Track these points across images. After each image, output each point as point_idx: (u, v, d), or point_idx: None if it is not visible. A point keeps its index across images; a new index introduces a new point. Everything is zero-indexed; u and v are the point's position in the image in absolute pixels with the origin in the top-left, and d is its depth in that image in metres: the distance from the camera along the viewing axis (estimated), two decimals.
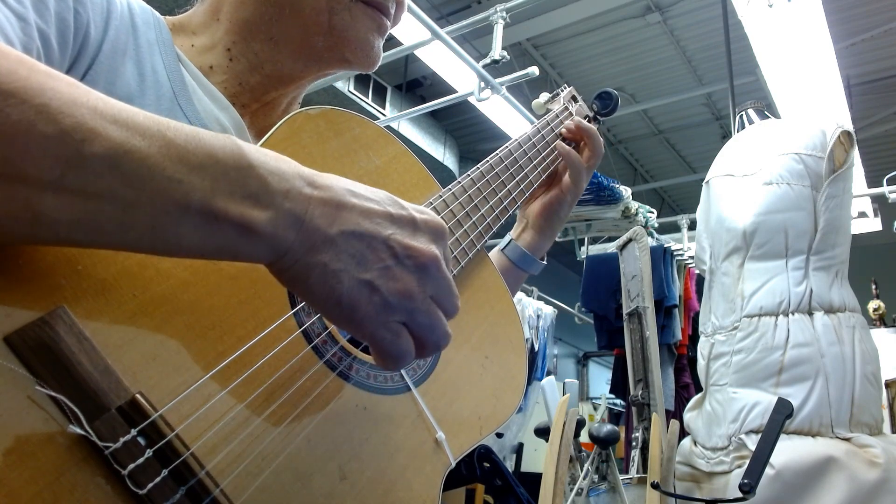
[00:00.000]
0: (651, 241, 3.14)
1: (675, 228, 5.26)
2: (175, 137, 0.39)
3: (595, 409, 7.13)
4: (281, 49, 0.69)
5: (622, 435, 3.04)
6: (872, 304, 4.46)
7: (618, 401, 6.08)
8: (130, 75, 0.60)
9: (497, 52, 3.22)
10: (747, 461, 1.38)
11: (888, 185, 4.24)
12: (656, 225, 3.64)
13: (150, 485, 0.38)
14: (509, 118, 4.36)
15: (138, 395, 0.40)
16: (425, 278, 0.46)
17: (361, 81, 5.47)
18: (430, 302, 0.47)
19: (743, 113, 2.63)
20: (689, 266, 3.32)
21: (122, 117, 0.37)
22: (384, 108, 5.67)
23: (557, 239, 1.02)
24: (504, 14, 3.30)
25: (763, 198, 2.14)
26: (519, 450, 5.39)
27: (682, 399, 2.98)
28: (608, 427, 2.06)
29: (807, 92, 3.82)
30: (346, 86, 5.32)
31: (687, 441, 2.20)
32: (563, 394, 2.02)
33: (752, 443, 1.91)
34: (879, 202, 4.80)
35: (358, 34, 0.69)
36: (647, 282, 2.64)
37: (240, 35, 0.69)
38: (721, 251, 2.23)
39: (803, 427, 1.88)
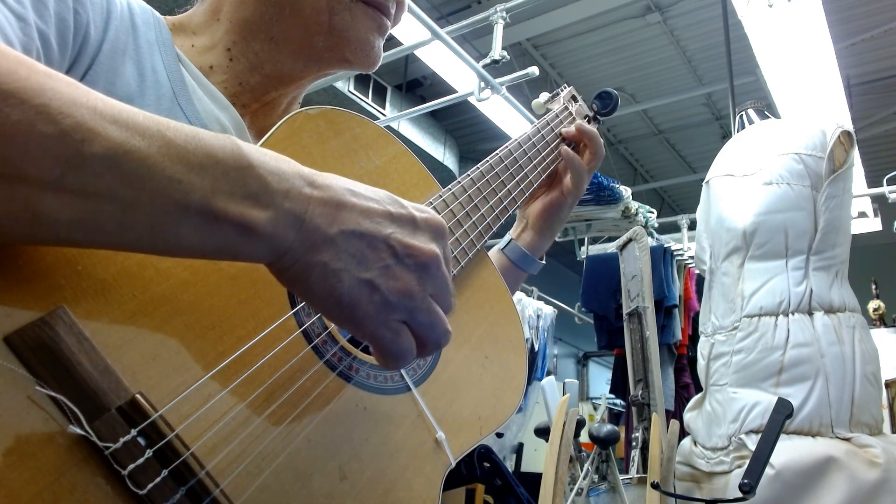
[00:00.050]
0: (651, 241, 3.14)
1: (675, 228, 5.26)
2: (175, 137, 0.39)
3: (595, 409, 7.13)
4: (281, 49, 0.69)
5: (622, 435, 3.04)
6: (872, 304, 4.46)
7: (618, 401, 6.08)
8: (130, 75, 0.60)
9: (497, 52, 3.22)
10: (747, 461, 1.38)
11: (888, 185, 4.24)
12: (656, 225, 3.64)
13: (150, 485, 0.38)
14: (509, 118, 4.36)
15: (138, 396, 0.40)
16: (425, 277, 0.46)
17: (361, 81, 5.47)
18: (431, 300, 0.47)
19: (743, 113, 2.63)
20: (689, 266, 3.32)
21: (122, 117, 0.37)
22: (384, 108, 5.67)
23: (557, 239, 1.02)
24: (504, 14, 3.30)
25: (763, 198, 2.14)
26: (519, 450, 5.39)
27: (682, 399, 2.98)
28: (608, 427, 2.06)
29: (807, 92, 3.82)
30: (346, 86, 5.32)
31: (687, 441, 2.20)
32: (563, 394, 2.02)
33: (752, 443, 1.91)
34: (879, 202, 4.80)
35: (358, 34, 0.69)
36: (647, 282, 2.64)
37: (240, 35, 0.69)
38: (721, 251, 2.23)
39: (803, 427, 1.88)
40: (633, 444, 2.40)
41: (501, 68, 3.33)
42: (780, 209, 2.10)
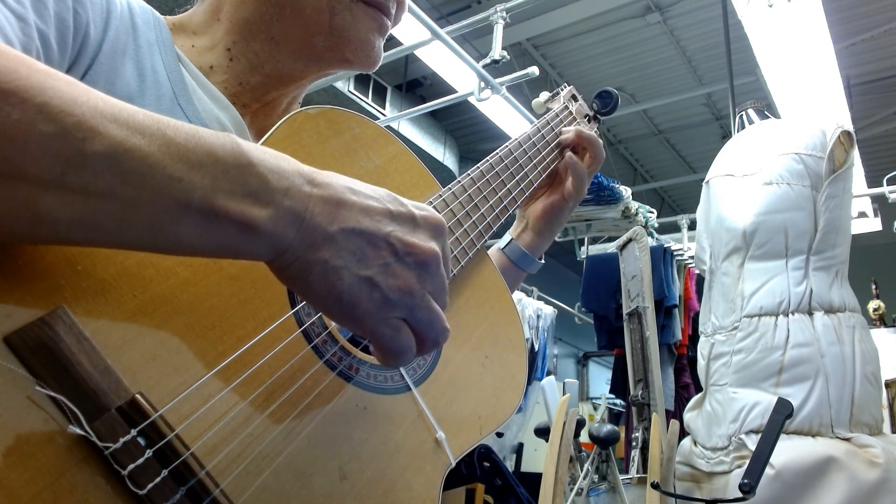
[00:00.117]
0: (651, 241, 3.14)
1: (675, 228, 5.26)
2: (175, 136, 0.39)
3: (595, 409, 7.14)
4: (281, 49, 0.69)
5: (622, 435, 3.04)
6: (872, 304, 4.46)
7: (618, 401, 6.08)
8: (130, 75, 0.60)
9: (497, 52, 3.22)
10: (747, 461, 1.38)
11: (888, 185, 4.24)
12: (656, 225, 3.64)
13: (150, 485, 0.38)
14: (509, 118, 4.36)
15: (138, 396, 0.40)
16: (425, 275, 0.46)
17: (361, 81, 5.47)
18: (430, 298, 0.47)
19: (743, 113, 2.63)
20: (689, 266, 3.32)
21: (122, 116, 0.37)
22: (384, 108, 5.67)
23: (557, 239, 1.02)
24: (504, 14, 3.30)
25: (763, 198, 2.14)
26: (519, 450, 5.39)
27: (682, 399, 2.98)
28: (608, 427, 2.06)
29: (807, 92, 3.83)
30: (346, 86, 5.32)
31: (687, 441, 2.20)
32: (563, 394, 2.02)
33: (752, 443, 1.91)
34: (879, 202, 4.80)
35: (359, 34, 0.69)
36: (647, 282, 2.64)
37: (240, 35, 0.69)
38: (721, 251, 2.23)
39: (803, 427, 1.88)
40: (633, 444, 2.40)
41: (501, 68, 3.33)
42: (780, 209, 2.10)
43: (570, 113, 0.99)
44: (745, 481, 1.28)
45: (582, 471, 2.04)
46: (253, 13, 0.68)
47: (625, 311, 2.73)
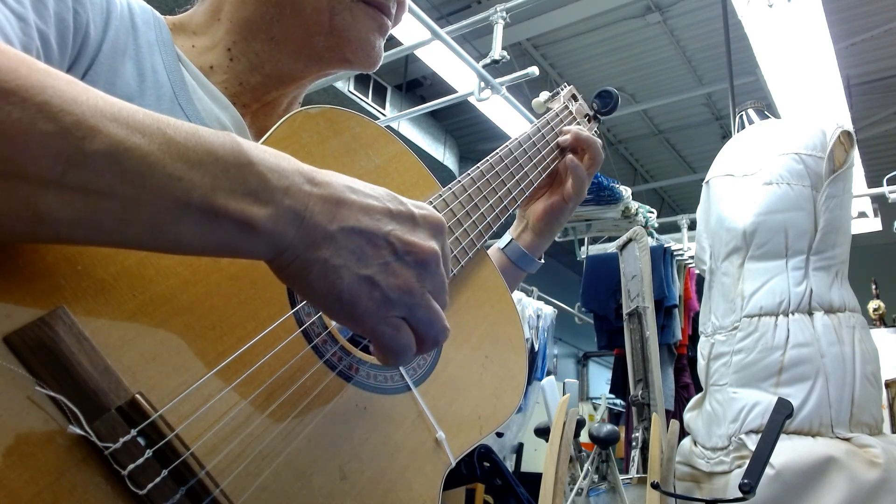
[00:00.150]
0: (651, 241, 3.14)
1: (675, 228, 5.26)
2: (175, 135, 0.39)
3: (595, 409, 7.13)
4: (281, 49, 0.69)
5: (622, 435, 3.04)
6: (872, 304, 4.46)
7: (618, 401, 6.08)
8: (130, 75, 0.60)
9: (497, 52, 3.22)
10: (747, 461, 1.38)
11: (888, 185, 4.24)
12: (656, 225, 3.64)
13: (150, 485, 0.38)
14: (509, 118, 4.36)
15: (138, 396, 0.40)
16: (424, 274, 0.46)
17: (361, 81, 5.47)
18: (429, 297, 0.47)
19: (743, 113, 2.63)
20: (689, 266, 3.32)
21: (122, 115, 0.37)
22: (384, 108, 5.67)
23: (557, 239, 1.02)
24: (504, 14, 3.30)
25: (763, 198, 2.14)
26: (519, 450, 5.39)
27: (682, 399, 2.98)
28: (608, 427, 2.06)
29: (807, 92, 3.82)
30: (346, 86, 5.32)
31: (687, 441, 2.20)
32: (563, 394, 2.02)
33: (752, 443, 1.91)
34: (879, 202, 4.80)
35: (359, 34, 0.69)
36: (647, 282, 2.64)
37: (240, 35, 0.69)
38: (721, 251, 2.23)
39: (803, 427, 1.88)
40: (633, 444, 2.40)
41: (501, 68, 3.33)
42: (780, 209, 2.10)
43: (570, 113, 0.99)
44: (745, 481, 1.28)
45: (582, 471, 2.04)
46: (253, 13, 0.68)
47: (625, 311, 2.73)
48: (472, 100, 3.63)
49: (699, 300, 2.68)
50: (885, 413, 2.81)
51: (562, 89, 1.03)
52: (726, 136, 5.02)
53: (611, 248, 3.72)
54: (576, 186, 0.92)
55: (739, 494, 1.28)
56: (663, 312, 3.04)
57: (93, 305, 0.41)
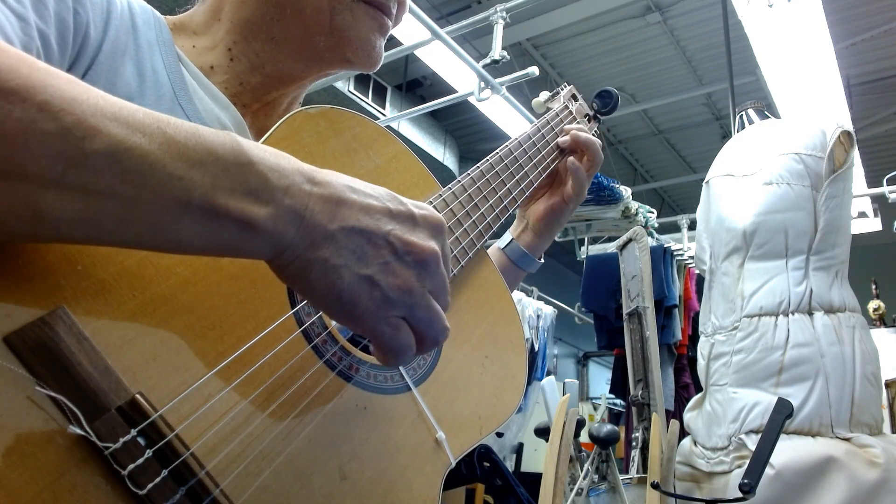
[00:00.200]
0: (651, 241, 3.14)
1: (675, 228, 5.26)
2: (175, 134, 0.39)
3: (595, 409, 7.13)
4: (282, 49, 0.69)
5: (622, 435, 3.04)
6: (872, 304, 4.46)
7: (618, 401, 6.08)
8: (130, 75, 0.60)
9: (497, 52, 3.22)
10: (747, 461, 1.38)
11: (888, 185, 4.24)
12: (656, 225, 3.64)
13: (150, 485, 0.38)
14: (509, 118, 4.36)
15: (138, 396, 0.40)
16: (424, 273, 0.46)
17: (361, 81, 5.47)
18: (429, 297, 0.47)
19: (743, 113, 2.63)
20: (689, 266, 3.32)
21: (123, 115, 0.37)
22: (384, 108, 5.67)
23: (557, 239, 1.03)
24: (504, 14, 3.30)
25: (763, 198, 2.14)
26: (519, 450, 5.39)
27: (682, 399, 2.98)
28: (608, 427, 2.06)
29: (807, 92, 3.82)
30: (346, 86, 5.32)
31: (687, 441, 2.20)
32: (563, 394, 2.02)
33: (752, 443, 1.91)
34: (879, 202, 4.80)
35: (359, 34, 0.69)
36: (647, 282, 2.64)
37: (241, 35, 0.69)
38: (721, 251, 2.23)
39: (803, 427, 1.88)
40: (633, 444, 2.40)
41: (501, 68, 3.33)
42: (780, 209, 2.10)
43: (570, 113, 0.99)
44: (745, 481, 1.28)
45: (582, 471, 2.04)
46: (254, 13, 0.68)
47: (625, 311, 2.73)
48: (472, 100, 3.63)
49: (699, 300, 2.68)
50: (885, 413, 2.81)
51: (562, 89, 1.03)
52: (726, 136, 5.02)
53: (611, 248, 3.72)
54: (576, 188, 0.92)
55: (739, 494, 1.28)
56: (663, 312, 3.04)
57: (93, 305, 0.41)
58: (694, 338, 3.01)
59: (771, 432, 1.37)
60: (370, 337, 0.46)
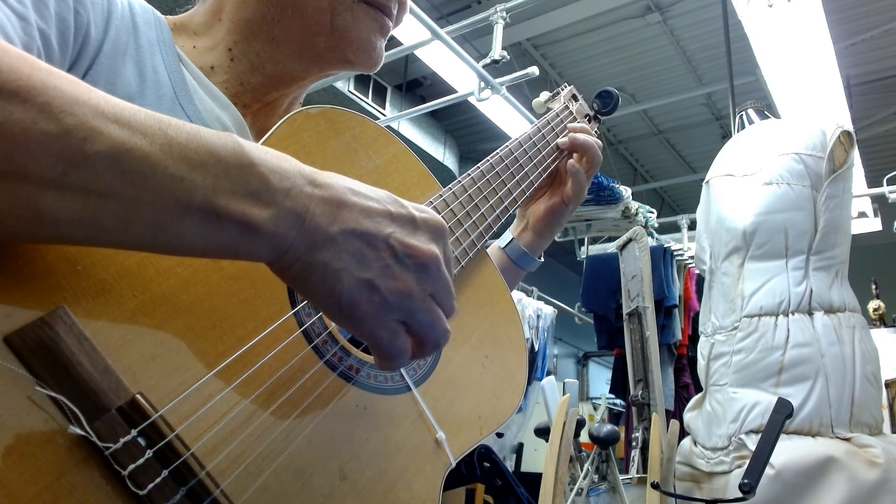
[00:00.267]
0: (651, 241, 3.14)
1: (675, 228, 5.26)
2: (176, 135, 0.39)
3: (595, 409, 7.13)
4: (282, 49, 0.69)
5: (622, 435, 3.04)
6: (872, 304, 4.46)
7: (618, 401, 6.08)
8: (131, 75, 0.60)
9: (497, 52, 3.22)
10: (747, 461, 1.38)
11: (888, 185, 4.24)
12: (656, 225, 3.64)
13: (151, 485, 0.38)
14: (509, 118, 4.36)
15: (138, 396, 0.40)
16: (425, 277, 0.46)
17: (361, 81, 5.47)
18: (430, 301, 0.47)
19: (743, 113, 2.63)
20: (689, 266, 3.32)
21: (124, 116, 0.37)
22: (384, 108, 5.67)
23: (557, 239, 1.03)
24: (504, 14, 3.30)
25: (763, 198, 2.14)
26: (519, 450, 5.39)
27: (682, 399, 2.98)
28: (608, 427, 2.06)
29: (807, 92, 3.82)
30: (346, 86, 5.32)
31: (687, 441, 2.20)
32: (563, 394, 2.02)
33: (752, 443, 1.91)
34: (879, 202, 4.80)
35: (360, 35, 0.69)
36: (647, 282, 2.64)
37: (241, 35, 0.69)
38: (721, 251, 2.23)
39: (803, 427, 1.88)
40: (633, 444, 2.40)
41: (501, 68, 3.33)
42: (780, 209, 2.10)
43: (571, 113, 0.99)
44: (745, 481, 1.28)
45: (582, 471, 2.04)
46: (254, 13, 0.68)
47: (625, 311, 2.73)
48: (472, 100, 3.63)
49: (699, 300, 2.68)
50: (885, 413, 2.81)
51: (562, 89, 1.03)
52: (726, 136, 5.02)
53: (611, 248, 3.72)
54: (575, 189, 0.92)
55: (739, 494, 1.28)
56: (663, 312, 3.04)
57: (93, 305, 0.41)
58: (694, 338, 3.01)
59: (771, 432, 1.37)
60: (368, 340, 0.46)
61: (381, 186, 0.49)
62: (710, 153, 3.02)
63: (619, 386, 3.30)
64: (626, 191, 3.46)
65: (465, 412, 0.65)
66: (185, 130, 0.39)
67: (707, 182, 2.43)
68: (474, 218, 0.72)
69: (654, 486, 1.73)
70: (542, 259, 0.96)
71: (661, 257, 3.13)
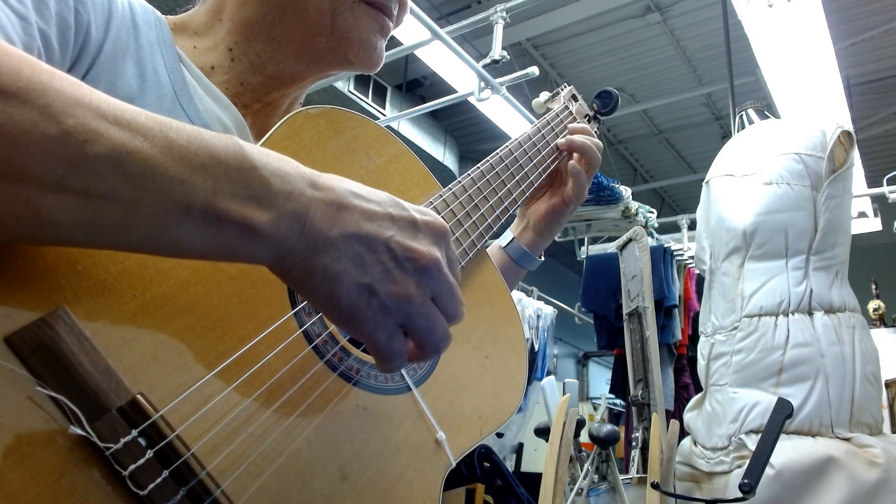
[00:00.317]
0: (651, 241, 3.14)
1: (675, 228, 5.26)
2: (177, 138, 0.39)
3: (595, 409, 7.13)
4: (283, 49, 0.69)
5: (622, 435, 3.04)
6: (872, 304, 4.46)
7: (618, 401, 6.08)
8: (131, 75, 0.60)
9: (497, 52, 3.22)
10: (747, 461, 1.38)
11: (888, 185, 4.24)
12: (656, 225, 3.64)
13: (151, 485, 0.38)
14: (509, 118, 4.36)
15: (139, 396, 0.40)
16: (425, 281, 0.46)
17: (361, 81, 5.47)
18: (430, 305, 0.47)
19: (743, 113, 2.63)
20: (689, 266, 3.32)
21: (125, 118, 0.37)
22: (384, 108, 5.67)
23: (557, 239, 1.03)
24: (504, 14, 3.30)
25: (763, 198, 2.14)
26: (519, 450, 5.39)
27: (682, 399, 2.98)
28: (608, 427, 2.06)
29: (807, 92, 3.82)
30: (346, 86, 5.32)
31: (687, 441, 2.20)
32: (563, 394, 2.02)
33: (752, 443, 1.91)
34: (879, 202, 4.80)
35: (360, 35, 0.69)
36: (647, 282, 2.64)
37: (242, 35, 0.69)
38: (721, 251, 2.23)
39: (803, 427, 1.88)
40: (633, 444, 2.40)
41: (501, 68, 3.33)
42: (780, 209, 2.10)
43: (571, 113, 0.99)
44: (745, 481, 1.28)
45: (582, 471, 2.04)
46: (255, 14, 0.68)
47: (625, 311, 2.73)
48: (472, 100, 3.63)
49: (699, 300, 2.68)
50: (885, 413, 2.81)
51: (562, 89, 1.03)
52: (726, 136, 5.02)
53: (611, 248, 3.72)
54: (576, 189, 0.92)
55: (739, 494, 1.28)
56: (663, 312, 3.04)
57: (93, 306, 0.41)
58: (694, 338, 3.01)
59: (771, 432, 1.37)
60: (366, 343, 0.46)
61: (381, 186, 0.49)
62: (710, 153, 3.02)
63: (619, 386, 3.30)
64: (626, 191, 3.46)
65: (466, 412, 0.65)
66: (185, 132, 0.39)
67: (707, 182, 2.43)
68: (474, 218, 0.72)
69: (654, 486, 1.73)
70: (543, 258, 0.96)
71: (661, 257, 3.13)
